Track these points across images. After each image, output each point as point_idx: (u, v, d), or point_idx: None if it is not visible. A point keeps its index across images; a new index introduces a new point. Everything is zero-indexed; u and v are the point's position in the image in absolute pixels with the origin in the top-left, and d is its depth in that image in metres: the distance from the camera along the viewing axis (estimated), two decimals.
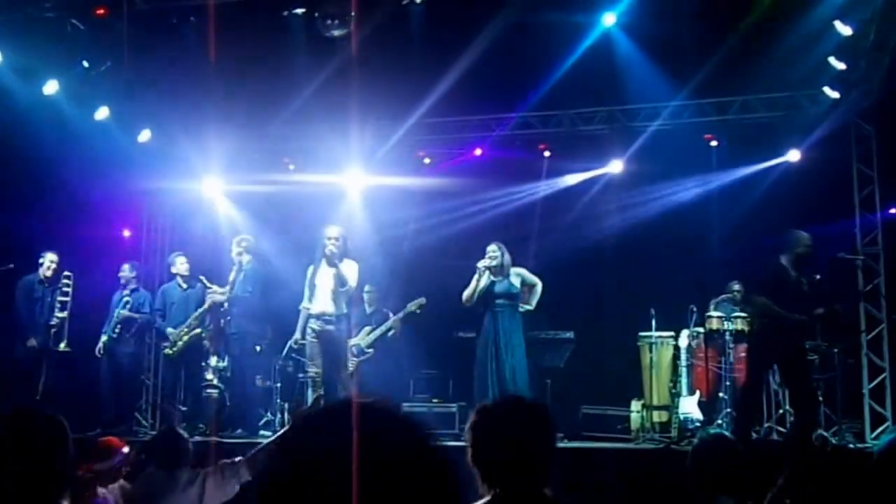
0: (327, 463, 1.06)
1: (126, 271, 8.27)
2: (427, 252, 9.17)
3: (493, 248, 7.18)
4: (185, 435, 4.43)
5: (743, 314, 7.31)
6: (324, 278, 7.21)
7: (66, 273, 8.08)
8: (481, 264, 7.11)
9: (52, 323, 7.92)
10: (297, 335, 7.38)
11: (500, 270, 7.16)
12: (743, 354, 7.06)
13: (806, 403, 6.31)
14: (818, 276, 6.48)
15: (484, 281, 7.12)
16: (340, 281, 7.07)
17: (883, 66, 7.08)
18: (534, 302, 7.35)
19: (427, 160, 9.35)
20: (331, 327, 7.21)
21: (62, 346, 7.91)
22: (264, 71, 8.23)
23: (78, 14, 7.32)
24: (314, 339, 7.18)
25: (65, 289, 8.03)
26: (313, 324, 7.20)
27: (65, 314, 7.96)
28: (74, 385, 8.10)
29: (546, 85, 8.05)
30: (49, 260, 8.00)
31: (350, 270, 7.14)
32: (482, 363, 7.07)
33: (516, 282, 7.21)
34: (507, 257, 7.22)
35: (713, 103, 8.36)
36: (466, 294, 7.17)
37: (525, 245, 8.79)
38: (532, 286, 7.33)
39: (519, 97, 8.45)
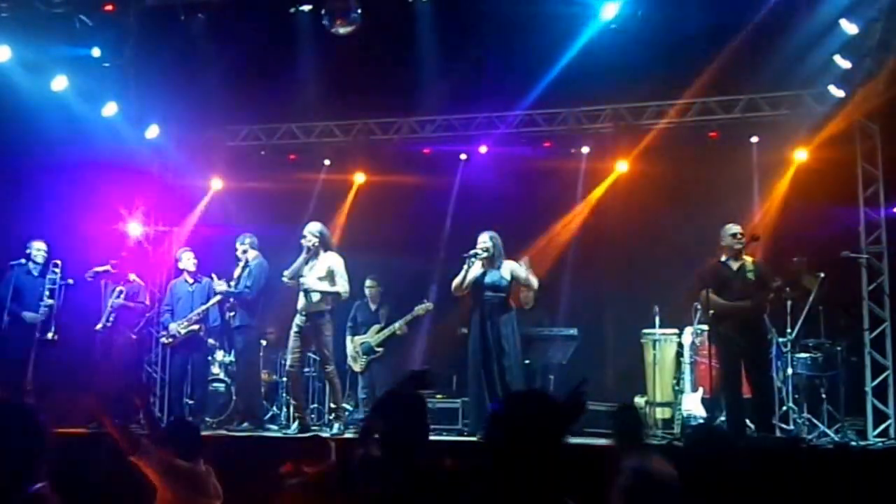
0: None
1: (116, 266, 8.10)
2: (429, 248, 9.20)
3: (484, 238, 6.99)
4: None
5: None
6: (307, 275, 7.31)
7: (54, 261, 7.95)
8: (469, 253, 6.96)
9: (40, 312, 7.77)
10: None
11: (490, 262, 6.98)
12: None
13: (767, 396, 6.63)
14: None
15: (473, 270, 6.97)
16: (330, 281, 7.25)
17: (888, 64, 7.07)
18: (533, 281, 7.14)
19: (431, 157, 9.36)
20: (310, 323, 7.28)
21: (49, 335, 7.75)
22: (270, 67, 8.28)
23: (86, 10, 7.36)
24: (296, 333, 7.33)
25: (52, 276, 7.88)
26: (297, 318, 7.35)
27: (52, 302, 7.83)
28: (70, 375, 8.03)
29: (551, 82, 8.08)
30: (36, 249, 7.91)
31: (330, 264, 7.24)
32: (474, 360, 6.87)
33: (506, 274, 6.98)
34: (500, 249, 7.02)
35: (718, 101, 8.37)
36: (455, 283, 7.03)
37: (528, 242, 8.82)
38: (522, 282, 7.11)
39: (524, 95, 8.46)
